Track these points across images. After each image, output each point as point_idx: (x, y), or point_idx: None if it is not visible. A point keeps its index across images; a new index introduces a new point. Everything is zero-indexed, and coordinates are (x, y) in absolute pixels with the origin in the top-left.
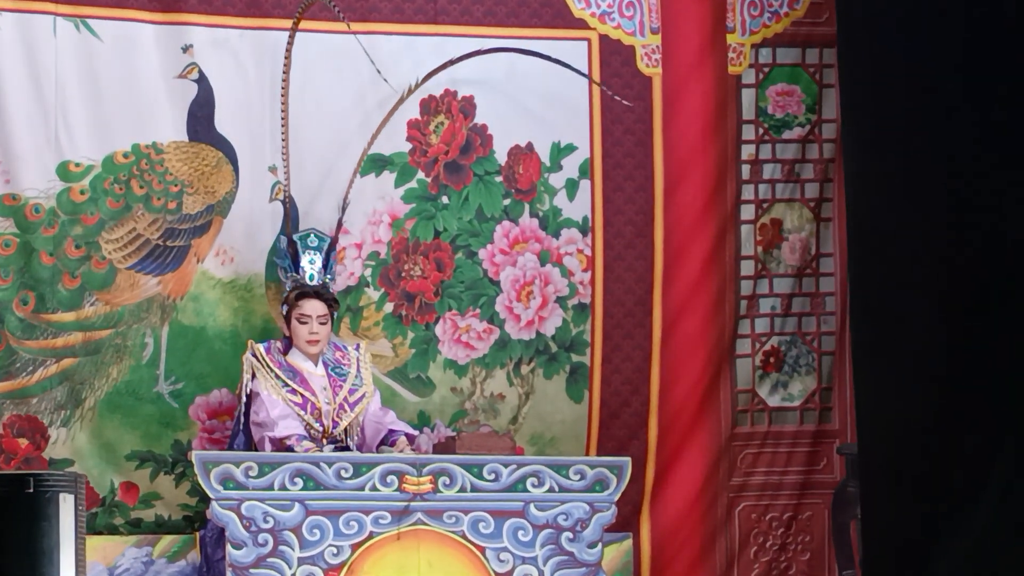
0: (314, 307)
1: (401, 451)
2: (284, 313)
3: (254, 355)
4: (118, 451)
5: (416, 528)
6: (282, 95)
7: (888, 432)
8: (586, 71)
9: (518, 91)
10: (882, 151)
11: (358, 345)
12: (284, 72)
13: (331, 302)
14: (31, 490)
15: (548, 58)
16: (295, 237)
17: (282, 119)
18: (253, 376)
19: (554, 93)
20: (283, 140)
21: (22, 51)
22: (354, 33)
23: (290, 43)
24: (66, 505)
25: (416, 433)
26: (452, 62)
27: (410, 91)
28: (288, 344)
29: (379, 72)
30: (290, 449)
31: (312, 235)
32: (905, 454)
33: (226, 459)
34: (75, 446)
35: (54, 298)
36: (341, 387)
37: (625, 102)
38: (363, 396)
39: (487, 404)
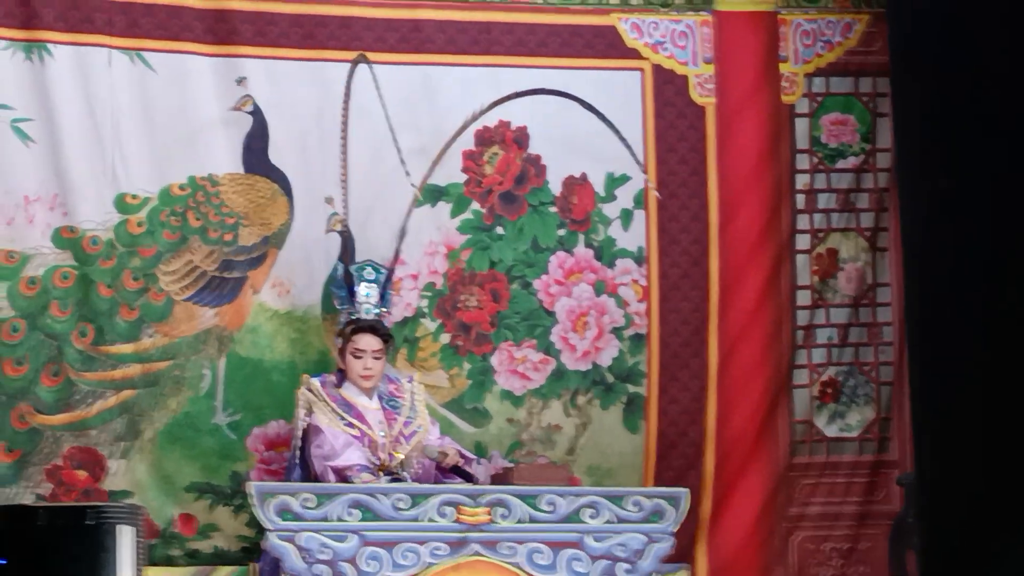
0: (369, 342)
1: (445, 455)
2: (339, 346)
3: (309, 390)
4: (176, 482)
5: (473, 559)
6: (342, 129)
7: (947, 462)
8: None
9: (571, 122)
10: (937, 179)
11: (411, 378)
12: (343, 105)
13: (386, 337)
14: (91, 522)
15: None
16: (352, 268)
17: (342, 151)
18: (310, 411)
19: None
20: (342, 171)
21: (78, 84)
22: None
23: (349, 82)
24: (125, 537)
25: (473, 457)
26: (511, 97)
27: (466, 124)
28: (342, 377)
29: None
30: (349, 480)
31: (369, 267)
32: (964, 484)
33: (283, 490)
34: (134, 478)
35: (112, 330)
36: (396, 420)
37: (656, 194)
38: (418, 429)
39: (544, 435)
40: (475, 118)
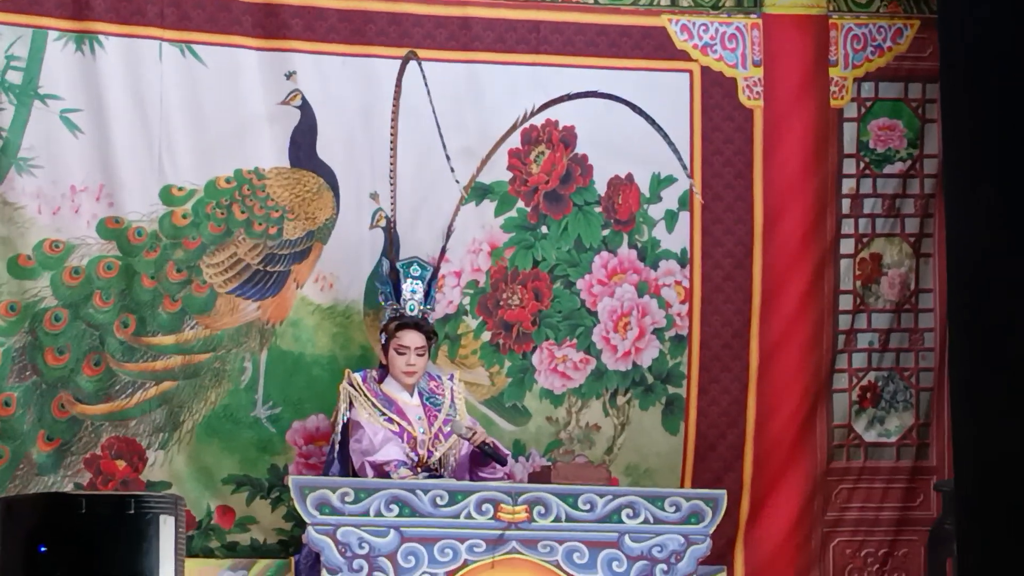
0: (413, 339)
1: (473, 431)
2: (383, 342)
3: (351, 384)
4: (215, 475)
5: (511, 557)
6: (392, 124)
7: (985, 470)
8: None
9: (618, 122)
10: (984, 187)
11: (452, 375)
12: (394, 102)
13: (430, 334)
14: (132, 511)
15: (652, 121)
16: (398, 265)
17: (391, 146)
18: (351, 406)
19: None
20: (392, 167)
21: (128, 76)
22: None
23: (400, 77)
24: (166, 527)
25: (507, 453)
26: (563, 99)
27: (515, 124)
28: (384, 373)
29: (448, 161)
30: (388, 475)
31: (416, 264)
32: (1004, 492)
33: (323, 484)
34: (173, 469)
35: (154, 321)
36: (436, 417)
37: (699, 196)
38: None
39: (582, 434)
40: (525, 119)
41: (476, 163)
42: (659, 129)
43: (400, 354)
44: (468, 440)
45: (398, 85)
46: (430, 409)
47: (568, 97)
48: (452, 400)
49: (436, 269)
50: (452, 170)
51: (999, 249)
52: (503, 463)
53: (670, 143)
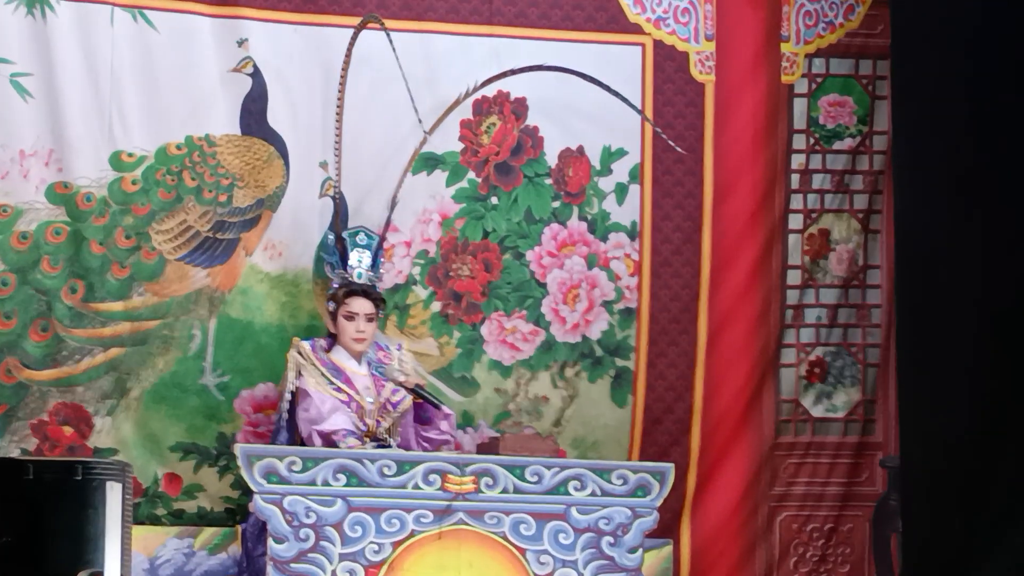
0: (362, 305)
1: (406, 375)
2: (331, 310)
3: (299, 353)
4: (162, 442)
5: (457, 528)
6: (339, 93)
7: (931, 446)
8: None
9: (570, 94)
10: (932, 164)
11: (400, 345)
12: (343, 71)
13: (378, 301)
14: (79, 477)
15: (606, 88)
16: (344, 234)
17: (337, 116)
18: (299, 374)
19: (606, 97)
20: (336, 137)
21: (79, 41)
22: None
23: (351, 44)
24: (113, 493)
25: (443, 406)
26: (508, 73)
27: (466, 94)
28: (332, 342)
29: (416, 112)
30: (335, 444)
31: (362, 233)
32: (948, 468)
33: (270, 453)
34: (119, 436)
35: (103, 288)
36: (384, 387)
37: (678, 148)
38: (405, 396)
39: (531, 406)
40: (470, 93)
41: (425, 132)
42: (608, 88)
43: (349, 320)
44: (401, 385)
45: (348, 55)
46: (378, 379)
47: (511, 72)
48: (401, 370)
49: (382, 239)
50: (420, 121)
51: (946, 226)
52: (437, 407)
53: (622, 98)
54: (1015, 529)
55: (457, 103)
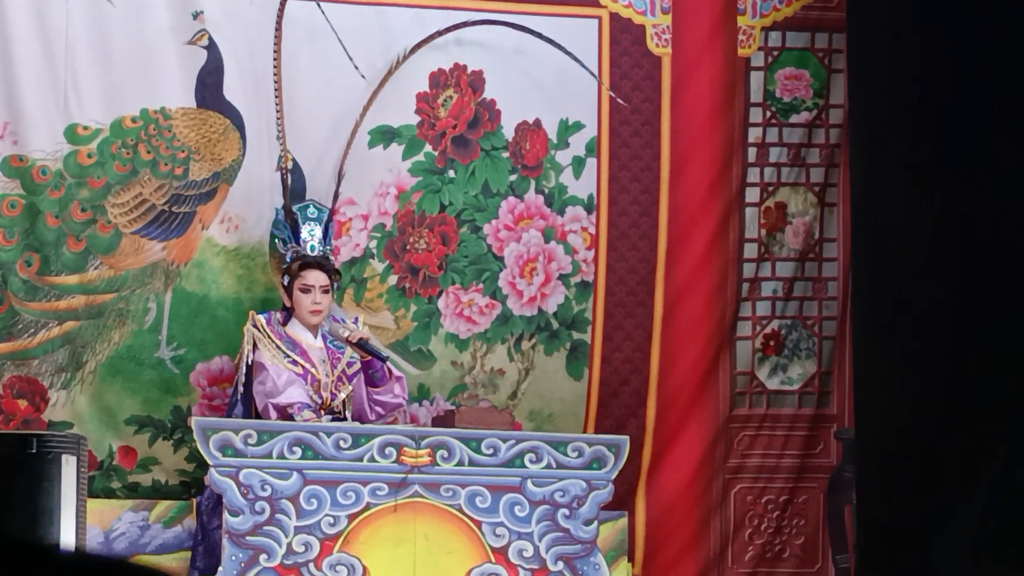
0: (317, 277)
1: (349, 330)
2: (285, 284)
3: (255, 326)
4: (117, 415)
5: (413, 500)
6: (275, 64)
7: (885, 419)
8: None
9: (528, 67)
10: (888, 138)
11: (356, 318)
12: (276, 42)
13: (333, 273)
14: (34, 450)
15: (553, 43)
16: (295, 208)
17: (276, 89)
18: (255, 348)
19: (564, 70)
20: (278, 111)
21: (33, 13)
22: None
23: (280, 12)
24: (68, 466)
25: (393, 368)
26: (439, 33)
27: (403, 59)
28: (288, 315)
29: (351, 60)
30: (291, 417)
31: (312, 206)
32: (902, 441)
33: (225, 426)
34: (74, 409)
35: (58, 261)
36: (339, 359)
37: (621, 102)
38: (358, 366)
39: (487, 379)
40: (403, 60)
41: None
42: (558, 46)
43: (305, 293)
44: (346, 340)
45: (278, 27)
46: (333, 352)
47: (440, 33)
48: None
49: (332, 212)
50: (356, 67)
51: (902, 199)
52: (383, 360)
53: (575, 58)
54: (967, 503)
55: (391, 72)
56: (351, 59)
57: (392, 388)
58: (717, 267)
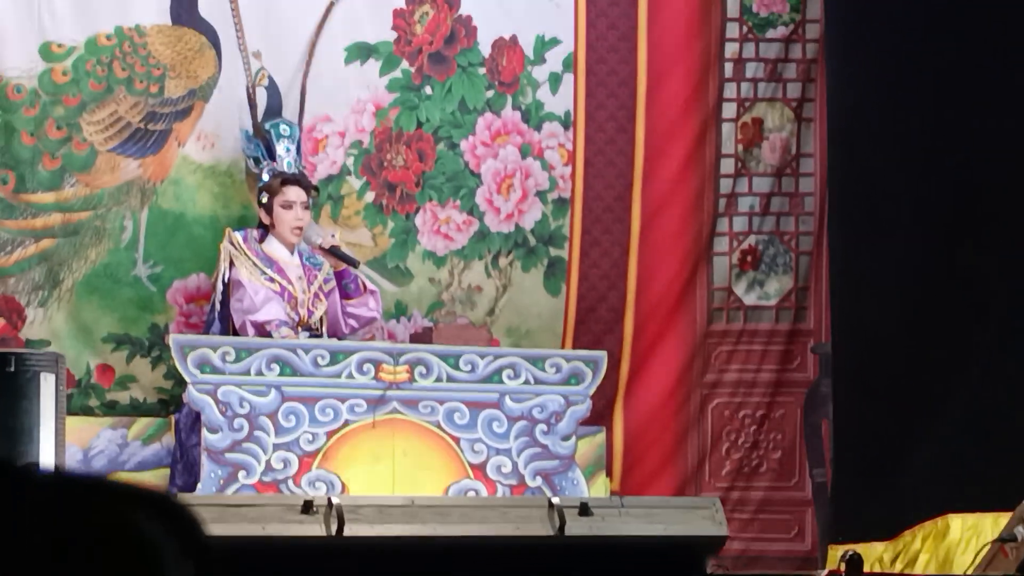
0: (298, 193)
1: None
2: (264, 201)
3: (232, 244)
4: (94, 333)
5: (391, 417)
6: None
7: (861, 334)
8: None
9: None
10: (864, 53)
11: (333, 234)
12: None
13: (311, 189)
14: (12, 369)
15: None
16: (267, 126)
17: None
18: (232, 265)
19: None
20: (237, 26)
21: None
22: None
23: None
24: (47, 385)
25: (367, 281)
26: None
27: None
28: (264, 233)
29: None
30: (269, 334)
31: (283, 124)
32: (877, 357)
33: (203, 343)
34: (52, 327)
35: (34, 179)
36: (316, 277)
37: None
38: (333, 279)
39: (464, 296)
40: None
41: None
42: None
43: (287, 209)
44: (319, 246)
45: None
46: (309, 269)
47: None
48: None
49: (302, 131)
50: None
51: (878, 114)
52: (355, 265)
53: None
54: (942, 419)
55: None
56: None
57: (367, 301)
58: (694, 183)
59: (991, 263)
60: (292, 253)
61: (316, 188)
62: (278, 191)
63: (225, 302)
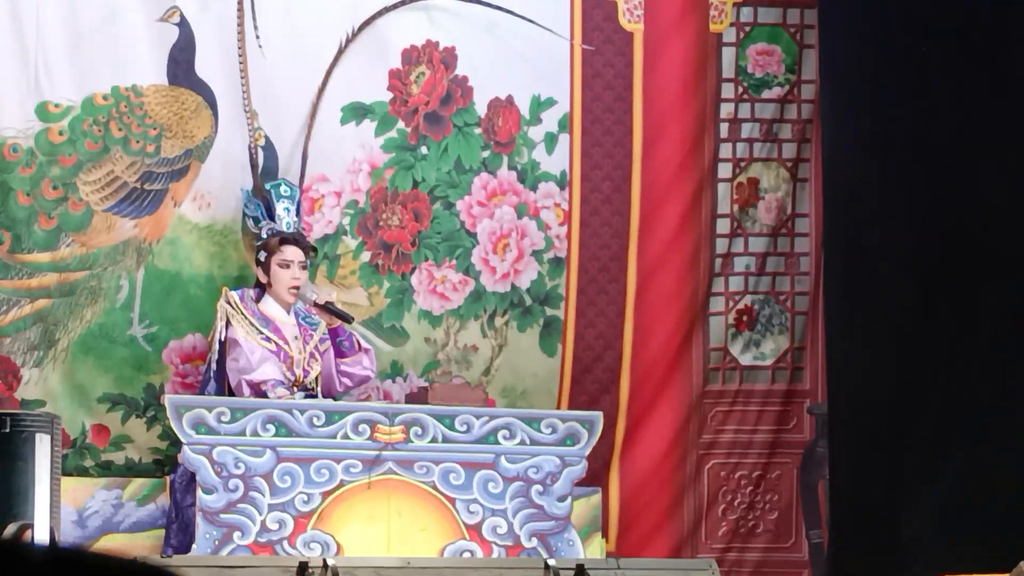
0: (296, 253)
1: (316, 293)
2: (262, 260)
3: (228, 303)
4: (90, 393)
5: (387, 478)
6: (239, 36)
7: (857, 394)
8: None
9: (500, 43)
10: (860, 113)
11: (330, 294)
12: (238, 16)
13: (309, 249)
14: (7, 430)
15: (525, 17)
16: (267, 186)
17: (240, 64)
18: (228, 324)
19: (536, 47)
20: (244, 87)
21: None
22: None
23: None
24: (42, 445)
25: (361, 341)
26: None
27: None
28: (261, 292)
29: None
30: (264, 394)
31: (283, 184)
32: (873, 417)
33: (198, 404)
34: (47, 387)
35: (30, 238)
36: (311, 336)
37: (588, 47)
38: (327, 338)
39: (460, 355)
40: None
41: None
42: (530, 20)
43: (284, 268)
44: (313, 303)
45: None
46: (306, 328)
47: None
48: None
49: (301, 192)
50: (257, 38)
51: (874, 175)
52: (348, 321)
53: (541, 25)
54: (938, 478)
55: (349, 41)
56: (258, 38)
57: (361, 360)
58: (690, 243)
59: (988, 323)
60: (288, 313)
61: (314, 248)
62: (276, 250)
63: (221, 362)
